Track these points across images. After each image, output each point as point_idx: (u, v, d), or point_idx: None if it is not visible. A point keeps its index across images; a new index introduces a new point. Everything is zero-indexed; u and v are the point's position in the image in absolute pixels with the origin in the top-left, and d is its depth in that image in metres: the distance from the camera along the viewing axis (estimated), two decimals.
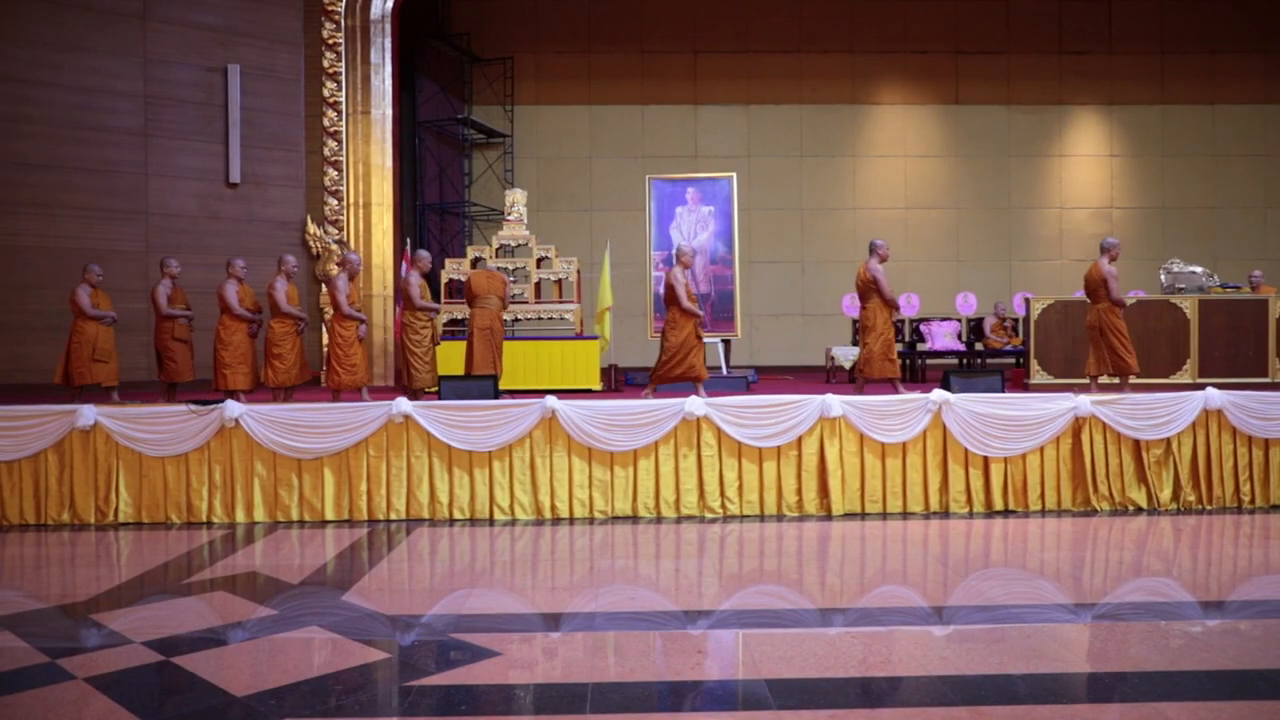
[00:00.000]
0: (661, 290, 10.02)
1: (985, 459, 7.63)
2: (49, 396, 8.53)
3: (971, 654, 4.23)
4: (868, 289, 8.51)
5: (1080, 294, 9.07)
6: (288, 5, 12.38)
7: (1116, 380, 8.49)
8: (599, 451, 7.54)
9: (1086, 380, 8.69)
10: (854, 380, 9.04)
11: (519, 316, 11.16)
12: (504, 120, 15.88)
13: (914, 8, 16.16)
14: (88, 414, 7.44)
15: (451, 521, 7.50)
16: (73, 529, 7.42)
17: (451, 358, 9.72)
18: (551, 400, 7.54)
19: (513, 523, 7.45)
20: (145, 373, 10.77)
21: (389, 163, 12.50)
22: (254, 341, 8.86)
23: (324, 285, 11.64)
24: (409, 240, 10.96)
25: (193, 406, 7.54)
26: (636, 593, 5.43)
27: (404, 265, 9.60)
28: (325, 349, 9.13)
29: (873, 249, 8.57)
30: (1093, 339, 8.46)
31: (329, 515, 7.54)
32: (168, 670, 4.12)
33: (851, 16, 16.15)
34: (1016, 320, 12.66)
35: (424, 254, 9.17)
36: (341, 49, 12.38)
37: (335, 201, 12.38)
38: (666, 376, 8.49)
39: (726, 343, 11.35)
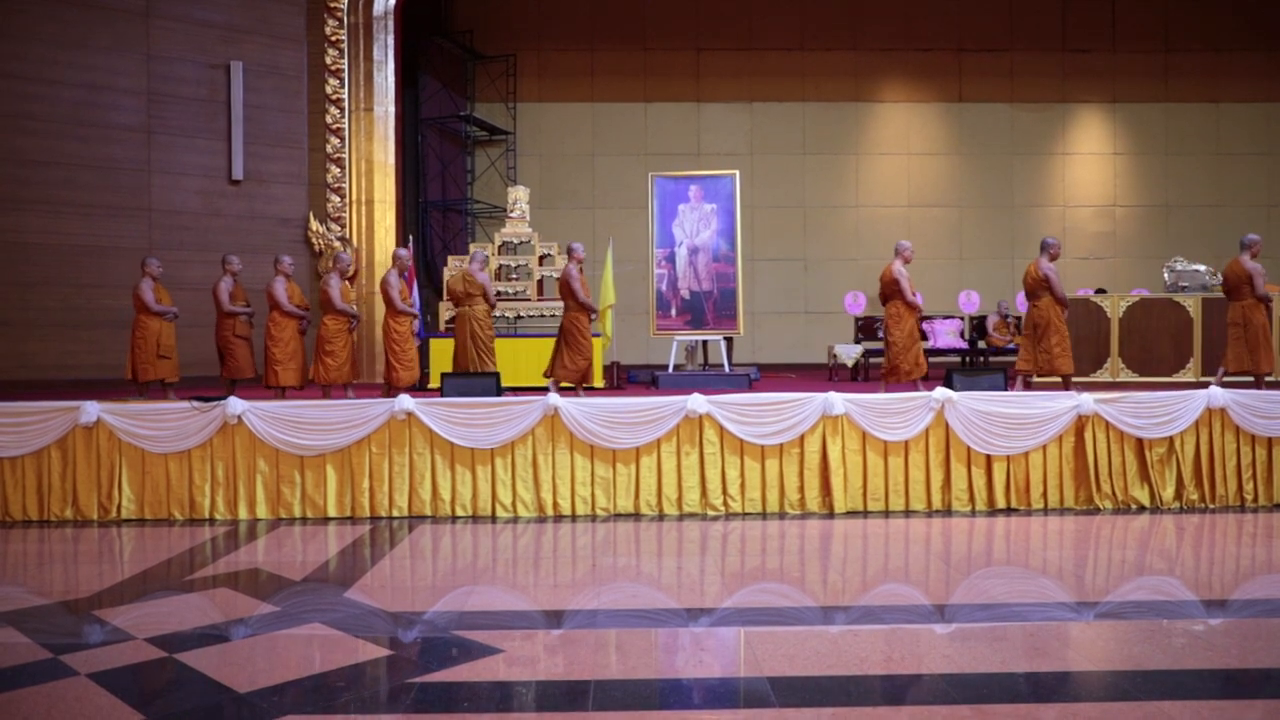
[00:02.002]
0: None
1: (988, 457, 7.62)
2: (51, 394, 8.54)
3: (974, 652, 4.22)
4: (1039, 287, 8.30)
5: (1084, 291, 9.05)
6: (291, 2, 12.38)
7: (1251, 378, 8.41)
8: (601, 449, 7.54)
9: (1216, 377, 8.51)
10: (1011, 380, 8.66)
11: (521, 314, 11.17)
12: (506, 117, 15.87)
13: (917, 5, 16.12)
14: (90, 410, 7.44)
15: (453, 519, 7.50)
16: (76, 525, 7.42)
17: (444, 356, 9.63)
18: (554, 397, 7.54)
19: (515, 520, 7.45)
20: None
21: (391, 160, 12.51)
22: (303, 338, 8.87)
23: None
24: (411, 237, 10.96)
25: (195, 403, 7.54)
26: (638, 590, 5.43)
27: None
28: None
29: (1044, 247, 8.37)
30: (1234, 336, 8.35)
31: (331, 512, 7.55)
32: (170, 666, 4.13)
33: (854, 14, 16.12)
34: (1019, 318, 12.64)
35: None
36: (344, 46, 12.39)
37: (338, 198, 12.38)
38: (901, 374, 8.54)
39: (729, 340, 11.34)
